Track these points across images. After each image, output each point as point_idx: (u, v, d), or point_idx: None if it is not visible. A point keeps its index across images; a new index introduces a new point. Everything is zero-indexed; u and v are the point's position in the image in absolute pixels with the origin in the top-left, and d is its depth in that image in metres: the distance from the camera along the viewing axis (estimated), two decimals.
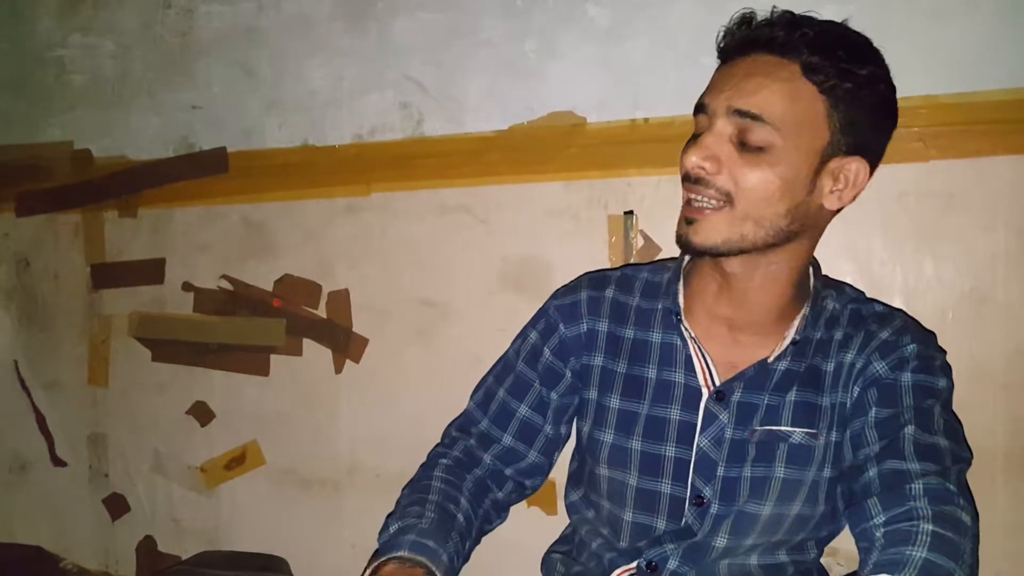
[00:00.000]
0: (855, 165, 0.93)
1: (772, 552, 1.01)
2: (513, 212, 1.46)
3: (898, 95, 1.23)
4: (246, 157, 1.61)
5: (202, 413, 1.70)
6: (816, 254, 1.27)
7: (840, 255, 1.28)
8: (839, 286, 1.06)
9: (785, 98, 0.89)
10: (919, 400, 0.94)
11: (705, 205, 0.92)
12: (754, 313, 0.99)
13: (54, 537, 1.84)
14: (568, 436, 1.14)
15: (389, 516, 1.00)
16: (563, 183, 1.42)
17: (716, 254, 0.94)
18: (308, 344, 1.61)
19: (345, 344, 1.58)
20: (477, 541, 1.08)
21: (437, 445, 1.14)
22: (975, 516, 0.86)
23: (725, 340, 1.01)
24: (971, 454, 0.94)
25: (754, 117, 0.89)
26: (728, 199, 0.91)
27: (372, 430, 1.58)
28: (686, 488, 1.00)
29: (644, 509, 1.02)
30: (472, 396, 1.15)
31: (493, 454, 1.10)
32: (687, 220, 0.94)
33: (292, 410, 1.63)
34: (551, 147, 1.42)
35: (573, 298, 1.09)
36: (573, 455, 1.15)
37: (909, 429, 0.91)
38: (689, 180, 0.93)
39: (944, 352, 1.01)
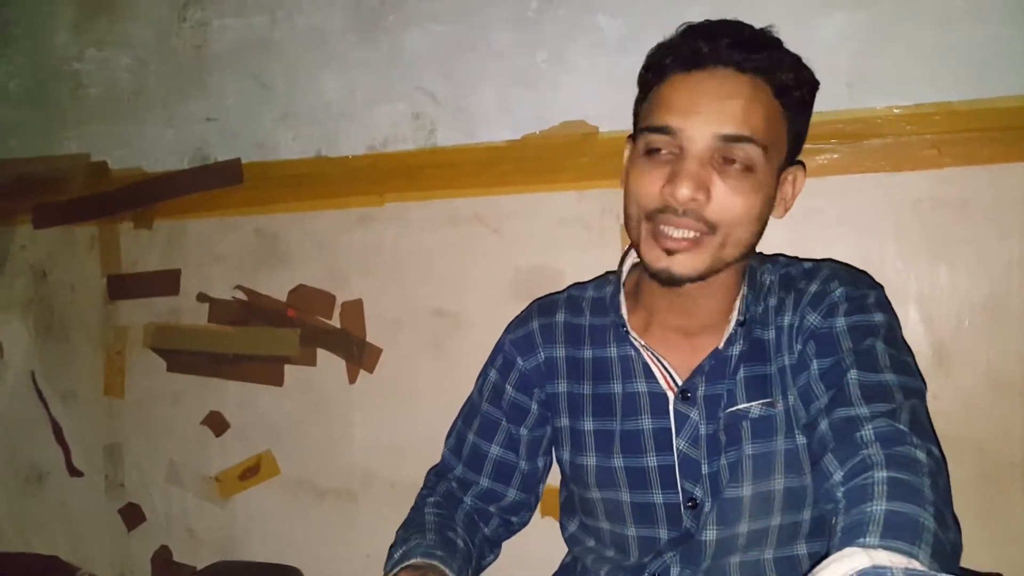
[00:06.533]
0: (798, 172, 0.98)
1: (789, 544, 0.99)
2: (525, 222, 1.46)
3: (911, 102, 1.25)
4: (260, 168, 1.62)
5: (217, 423, 1.70)
6: (828, 259, 1.26)
7: (854, 262, 1.27)
8: (774, 259, 1.06)
9: (765, 119, 0.90)
10: (857, 342, 0.91)
11: (686, 235, 0.90)
12: (705, 317, 0.99)
13: (70, 547, 1.85)
14: (548, 467, 1.14)
15: (392, 547, 1.00)
16: (575, 192, 1.42)
17: (696, 280, 0.93)
18: (322, 354, 1.61)
19: (359, 354, 1.58)
20: (477, 574, 1.08)
21: (421, 489, 1.15)
22: (930, 451, 0.81)
23: (681, 344, 1.01)
24: (924, 384, 0.91)
25: (747, 140, 0.88)
26: (711, 228, 0.90)
27: (386, 440, 1.58)
28: (678, 493, 1.00)
29: (644, 523, 1.02)
30: (446, 441, 1.16)
31: (473, 495, 1.11)
32: (668, 251, 0.91)
33: (306, 420, 1.63)
34: (563, 157, 1.42)
35: (525, 329, 1.10)
36: (561, 486, 1.14)
37: (853, 373, 0.88)
38: (673, 212, 0.89)
39: (880, 287, 0.99)
